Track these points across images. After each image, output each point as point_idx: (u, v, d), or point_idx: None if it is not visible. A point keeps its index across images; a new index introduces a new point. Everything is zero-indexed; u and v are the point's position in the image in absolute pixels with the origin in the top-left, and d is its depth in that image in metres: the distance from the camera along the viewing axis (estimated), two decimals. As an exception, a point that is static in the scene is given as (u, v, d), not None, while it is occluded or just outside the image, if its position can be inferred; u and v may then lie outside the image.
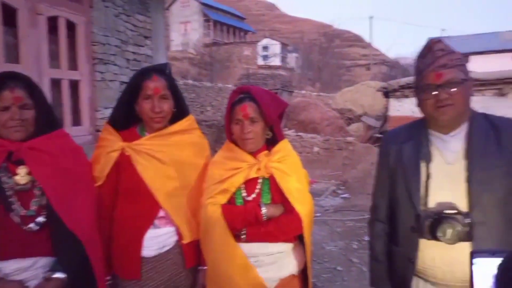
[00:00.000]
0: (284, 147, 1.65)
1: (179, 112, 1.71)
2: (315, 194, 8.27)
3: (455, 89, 1.28)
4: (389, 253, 1.49)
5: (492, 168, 1.27)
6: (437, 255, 1.31)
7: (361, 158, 10.38)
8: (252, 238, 1.53)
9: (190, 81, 15.13)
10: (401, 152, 1.42)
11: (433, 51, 1.32)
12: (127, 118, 1.69)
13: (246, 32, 55.11)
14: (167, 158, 1.63)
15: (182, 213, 1.61)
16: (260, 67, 36.47)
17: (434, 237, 1.27)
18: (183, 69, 27.18)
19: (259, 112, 1.58)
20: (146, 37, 4.97)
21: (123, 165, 1.62)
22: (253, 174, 1.57)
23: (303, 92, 23.87)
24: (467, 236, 1.25)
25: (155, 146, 1.64)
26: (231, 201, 1.58)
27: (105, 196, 1.60)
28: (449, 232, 1.24)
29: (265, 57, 45.22)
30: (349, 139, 12.01)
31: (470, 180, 1.27)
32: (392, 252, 1.48)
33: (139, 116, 1.66)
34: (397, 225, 1.46)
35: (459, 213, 1.26)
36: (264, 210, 1.53)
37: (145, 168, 1.60)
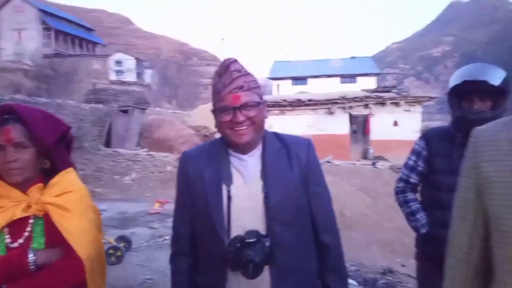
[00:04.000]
0: (65, 177, 1.39)
1: None
2: (167, 215, 7.95)
3: (252, 111, 1.26)
4: None
5: (285, 186, 1.29)
6: (243, 284, 1.25)
7: (213, 175, 10.52)
8: (16, 296, 1.22)
9: (19, 96, 13.02)
10: (202, 174, 1.33)
11: (230, 72, 1.28)
12: None
13: (95, 44, 51.29)
14: None
15: None
16: (113, 82, 34.33)
17: (238, 267, 1.21)
18: (16, 82, 23.52)
19: (30, 136, 1.31)
20: None
21: None
22: (20, 214, 1.28)
23: (158, 109, 23.30)
24: (268, 259, 1.21)
25: None
26: (-11, 250, 1.25)
27: None
28: (251, 267, 1.19)
29: (118, 72, 42.89)
30: (203, 156, 12.09)
31: (266, 201, 1.26)
32: (199, 287, 1.36)
33: None
34: (201, 256, 1.36)
35: (259, 239, 1.22)
36: (31, 257, 1.24)
37: None
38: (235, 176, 1.31)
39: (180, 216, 1.42)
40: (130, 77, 43.18)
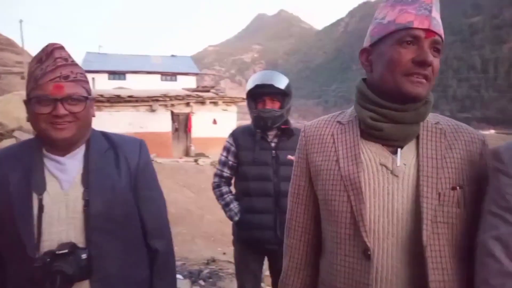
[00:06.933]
0: None
1: None
2: None
3: (76, 106, 1.14)
4: None
5: (111, 192, 1.20)
6: None
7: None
8: None
9: None
10: (7, 181, 1.14)
11: (54, 58, 1.12)
12: None
13: None
14: None
15: None
16: None
17: (46, 282, 1.07)
18: None
19: None
20: None
21: None
22: None
23: None
24: (85, 273, 1.13)
25: None
26: None
27: None
28: (59, 279, 1.07)
29: None
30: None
31: (86, 209, 1.16)
32: None
33: None
34: (9, 276, 1.17)
35: (73, 251, 1.11)
36: None
37: None
38: (50, 182, 1.17)
39: None
40: None
